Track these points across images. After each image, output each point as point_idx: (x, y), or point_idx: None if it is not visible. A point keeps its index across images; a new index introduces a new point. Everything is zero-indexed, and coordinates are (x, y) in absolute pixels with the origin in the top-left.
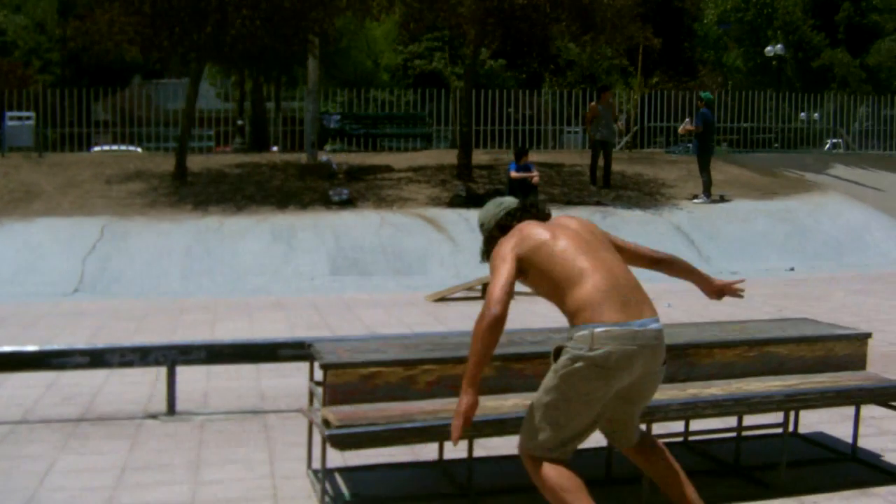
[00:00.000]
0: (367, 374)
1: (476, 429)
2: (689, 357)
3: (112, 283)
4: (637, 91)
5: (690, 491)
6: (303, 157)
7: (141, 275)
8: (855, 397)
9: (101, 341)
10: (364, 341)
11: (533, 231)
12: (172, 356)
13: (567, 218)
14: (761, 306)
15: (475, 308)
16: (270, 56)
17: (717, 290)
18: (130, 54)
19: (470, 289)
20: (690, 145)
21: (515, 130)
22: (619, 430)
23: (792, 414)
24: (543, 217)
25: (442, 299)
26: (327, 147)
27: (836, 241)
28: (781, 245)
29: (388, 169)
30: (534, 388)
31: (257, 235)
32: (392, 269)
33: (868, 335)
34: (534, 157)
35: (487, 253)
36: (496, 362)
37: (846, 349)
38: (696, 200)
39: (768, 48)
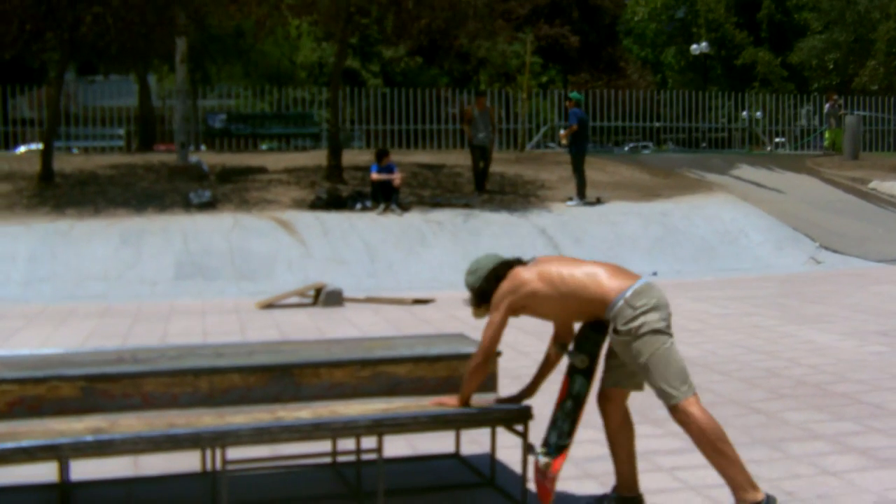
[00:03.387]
0: None
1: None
2: (295, 377)
3: None
4: (524, 90)
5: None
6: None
7: None
8: (450, 422)
9: None
10: None
11: (524, 277)
12: None
13: (543, 258)
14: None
15: (296, 316)
16: (139, 54)
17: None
18: None
19: (302, 295)
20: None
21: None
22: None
23: (405, 438)
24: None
25: (270, 306)
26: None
27: (708, 245)
28: (649, 248)
29: (263, 171)
30: (121, 409)
31: (105, 239)
32: (238, 274)
33: (497, 354)
34: (423, 157)
35: (483, 302)
36: (80, 383)
37: None
38: (569, 203)
39: (693, 46)
